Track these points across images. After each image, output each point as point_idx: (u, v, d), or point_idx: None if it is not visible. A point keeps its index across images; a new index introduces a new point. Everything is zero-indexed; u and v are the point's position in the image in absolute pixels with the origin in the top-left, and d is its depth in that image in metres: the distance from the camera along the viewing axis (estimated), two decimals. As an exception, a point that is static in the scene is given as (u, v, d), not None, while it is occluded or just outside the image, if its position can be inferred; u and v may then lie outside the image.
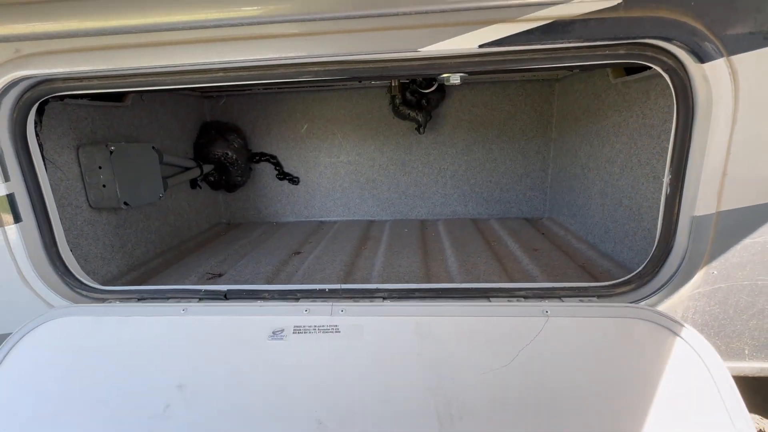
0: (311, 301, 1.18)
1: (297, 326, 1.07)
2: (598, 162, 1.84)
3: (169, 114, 2.15)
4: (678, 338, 0.97)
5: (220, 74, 1.09)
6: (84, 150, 1.56)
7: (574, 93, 2.07)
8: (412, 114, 2.30)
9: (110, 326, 1.14)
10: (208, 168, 2.37)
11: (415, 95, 2.27)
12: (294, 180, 2.61)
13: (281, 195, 2.65)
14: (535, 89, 2.34)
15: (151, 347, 1.11)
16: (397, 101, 2.27)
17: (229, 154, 2.40)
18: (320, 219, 2.65)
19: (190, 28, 1.02)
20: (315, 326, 1.07)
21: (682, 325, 0.98)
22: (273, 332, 1.07)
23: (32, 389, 1.06)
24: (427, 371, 1.03)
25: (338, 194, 2.62)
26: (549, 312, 1.03)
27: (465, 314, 1.06)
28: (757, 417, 2.22)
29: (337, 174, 2.58)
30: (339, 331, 1.06)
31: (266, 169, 2.62)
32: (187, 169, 2.22)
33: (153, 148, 1.86)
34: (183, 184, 2.25)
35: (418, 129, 2.35)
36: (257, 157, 2.58)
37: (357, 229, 2.38)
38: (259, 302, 1.18)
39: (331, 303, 1.09)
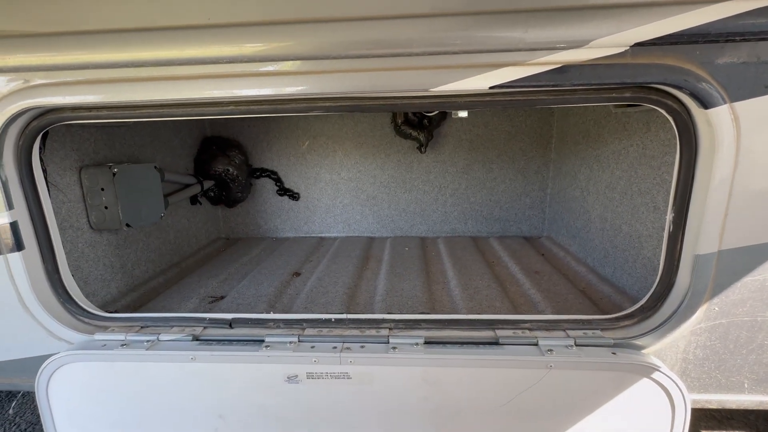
0: (318, 338, 1.18)
1: (309, 372, 1.09)
2: (598, 186, 1.87)
3: (171, 131, 2.14)
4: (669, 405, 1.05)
5: (231, 107, 1.10)
6: (86, 172, 1.55)
7: (574, 117, 2.11)
8: (414, 133, 2.32)
9: (126, 370, 1.17)
10: (208, 184, 2.36)
11: (417, 115, 2.29)
12: (294, 196, 2.61)
13: (281, 211, 2.65)
14: (534, 111, 2.38)
15: (175, 388, 1.16)
16: (399, 121, 2.29)
17: (230, 170, 2.40)
18: (320, 235, 2.65)
19: (202, 63, 1.02)
20: (327, 373, 1.09)
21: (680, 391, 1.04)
22: (288, 377, 1.09)
23: (86, 426, 1.19)
24: (433, 409, 1.08)
25: (339, 210, 2.62)
26: (552, 365, 1.07)
27: (471, 365, 1.09)
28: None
29: (337, 190, 2.59)
30: (350, 378, 1.08)
31: (266, 185, 2.61)
32: (188, 185, 2.21)
33: (155, 167, 1.85)
34: (183, 200, 2.24)
35: (419, 148, 2.37)
36: (258, 173, 2.58)
37: (357, 246, 2.38)
38: (265, 341, 1.19)
39: (339, 352, 1.11)
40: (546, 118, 2.38)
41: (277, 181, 2.59)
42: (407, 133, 2.33)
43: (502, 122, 2.41)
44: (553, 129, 2.38)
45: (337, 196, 2.59)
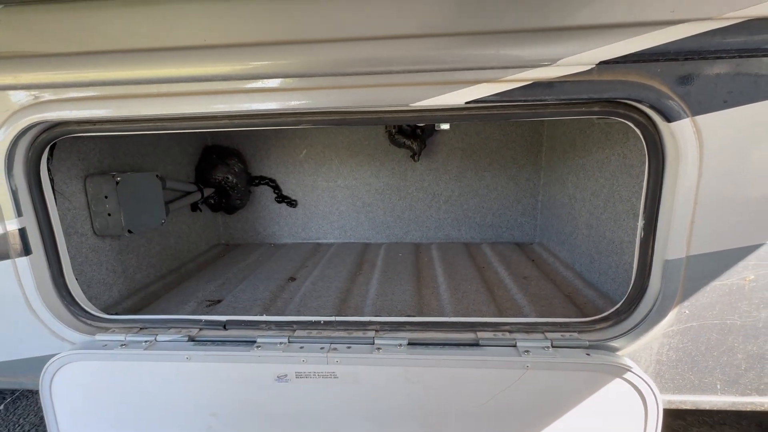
0: (307, 339, 1.24)
1: (298, 372, 1.16)
2: (585, 194, 1.92)
3: (172, 141, 2.23)
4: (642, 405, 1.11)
5: (225, 121, 1.17)
6: (91, 180, 1.63)
7: (562, 127, 2.17)
8: (407, 142, 2.39)
9: (125, 369, 1.24)
10: (208, 191, 2.44)
11: (410, 125, 2.36)
12: (292, 203, 2.68)
13: (279, 217, 2.72)
14: (525, 121, 2.44)
15: (171, 387, 1.22)
16: (393, 130, 2.36)
17: (230, 177, 2.48)
18: (317, 241, 2.72)
19: (198, 80, 1.10)
20: (314, 372, 1.16)
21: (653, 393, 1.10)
22: (278, 376, 1.16)
23: (87, 423, 1.26)
24: (415, 407, 1.14)
25: (335, 217, 2.69)
26: (529, 366, 1.12)
27: (451, 365, 1.15)
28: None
29: (334, 198, 2.66)
30: (337, 377, 1.15)
31: (265, 192, 2.69)
32: (189, 193, 2.29)
33: (156, 176, 1.93)
34: (184, 207, 2.31)
35: (412, 156, 2.44)
36: (257, 181, 2.65)
37: (353, 252, 2.44)
38: (256, 341, 1.25)
39: (326, 352, 1.17)
40: (536, 128, 2.44)
41: (276, 188, 2.66)
42: (401, 142, 2.40)
43: (493, 131, 2.48)
44: (543, 138, 2.44)
45: (333, 203, 2.66)
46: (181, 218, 2.29)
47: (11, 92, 1.14)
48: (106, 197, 1.65)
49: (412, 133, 2.38)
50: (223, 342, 1.27)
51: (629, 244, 1.56)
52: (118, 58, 1.09)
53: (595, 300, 1.66)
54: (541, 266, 2.12)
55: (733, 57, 0.97)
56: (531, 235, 2.59)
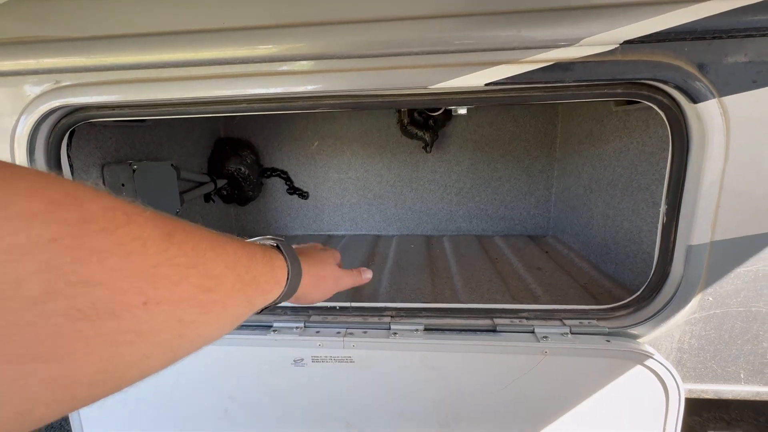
0: (323, 324, 1.24)
1: (314, 356, 1.17)
2: (601, 184, 1.90)
3: (186, 131, 2.24)
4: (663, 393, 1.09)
5: (243, 105, 1.17)
6: (109, 168, 1.64)
7: (578, 117, 2.14)
8: (420, 133, 2.37)
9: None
10: (221, 182, 2.46)
11: (422, 116, 2.35)
12: (304, 195, 2.68)
13: (291, 209, 2.73)
14: (539, 111, 2.41)
15: (188, 370, 1.24)
16: (405, 121, 2.35)
17: (242, 169, 2.49)
18: (328, 233, 2.72)
19: (217, 64, 1.10)
20: (330, 356, 1.16)
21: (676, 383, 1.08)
22: (294, 360, 1.17)
23: (102, 404, 1.22)
24: (432, 392, 1.13)
25: (346, 209, 2.69)
26: (548, 351, 1.11)
27: (469, 351, 1.14)
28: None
29: (345, 189, 2.66)
30: (353, 361, 1.15)
31: (277, 184, 2.70)
32: (202, 183, 2.31)
33: (171, 165, 1.94)
34: (197, 198, 2.33)
35: (425, 148, 2.43)
36: (269, 173, 2.66)
37: (364, 243, 2.44)
38: (273, 326, 1.25)
39: (342, 337, 1.17)
40: (550, 119, 2.41)
41: (287, 180, 2.67)
42: (413, 133, 2.39)
43: (506, 122, 2.45)
44: (558, 129, 2.41)
45: (344, 195, 2.66)
46: (195, 209, 2.31)
47: (33, 77, 1.15)
48: (123, 185, 1.66)
49: (424, 124, 2.37)
50: (239, 326, 1.27)
51: (648, 233, 1.54)
52: (138, 41, 1.10)
53: (612, 290, 1.64)
54: (555, 258, 2.10)
55: (764, 35, 0.94)
56: (544, 227, 2.56)
